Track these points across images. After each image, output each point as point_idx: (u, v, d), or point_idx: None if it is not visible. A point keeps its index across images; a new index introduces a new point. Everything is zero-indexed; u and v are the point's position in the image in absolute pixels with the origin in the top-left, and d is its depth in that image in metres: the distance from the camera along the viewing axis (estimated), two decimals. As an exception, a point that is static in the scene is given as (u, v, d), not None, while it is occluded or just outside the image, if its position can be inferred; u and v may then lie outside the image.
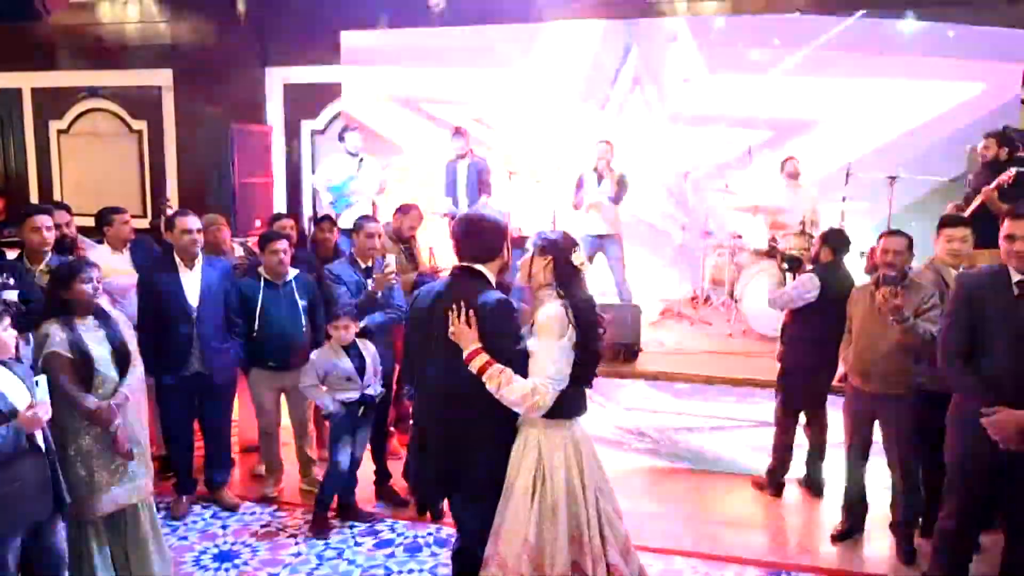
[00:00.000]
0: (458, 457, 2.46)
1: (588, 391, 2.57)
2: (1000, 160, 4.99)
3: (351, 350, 3.76)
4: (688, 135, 6.82)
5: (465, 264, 2.52)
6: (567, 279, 2.45)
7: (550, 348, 2.35)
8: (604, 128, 6.60)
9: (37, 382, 2.60)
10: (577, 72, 7.01)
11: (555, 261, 2.46)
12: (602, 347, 2.48)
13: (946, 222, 3.69)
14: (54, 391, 2.73)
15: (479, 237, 2.53)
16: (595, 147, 5.85)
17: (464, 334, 2.36)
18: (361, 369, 3.76)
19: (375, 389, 3.82)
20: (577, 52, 6.96)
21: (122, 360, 3.06)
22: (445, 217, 6.28)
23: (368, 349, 3.85)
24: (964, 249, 3.53)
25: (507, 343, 2.39)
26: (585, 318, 2.41)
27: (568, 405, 2.43)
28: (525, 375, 2.36)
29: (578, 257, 2.48)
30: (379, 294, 3.94)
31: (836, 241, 4.11)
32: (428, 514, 3.89)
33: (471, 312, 2.36)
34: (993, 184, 4.65)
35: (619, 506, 2.55)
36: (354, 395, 3.73)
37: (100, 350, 3.00)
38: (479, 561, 2.47)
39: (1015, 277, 2.79)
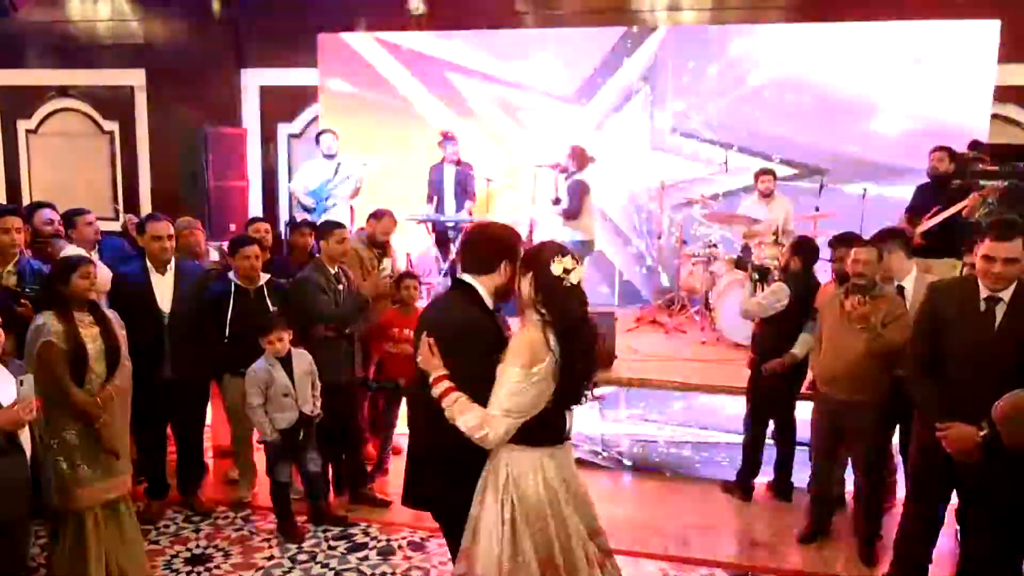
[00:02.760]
0: (421, 475, 2.39)
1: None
2: (948, 173, 5.13)
3: (284, 362, 3.70)
4: (668, 148, 6.90)
5: (461, 275, 2.40)
6: (550, 294, 2.20)
7: (512, 377, 2.14)
8: (583, 135, 6.65)
9: (22, 381, 2.60)
10: (560, 78, 7.05)
11: (535, 275, 2.23)
12: (593, 369, 2.28)
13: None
14: (46, 381, 2.79)
15: (475, 247, 2.38)
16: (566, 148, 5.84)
17: (428, 361, 2.25)
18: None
19: (312, 407, 3.75)
20: (559, 58, 7.00)
21: (112, 358, 3.13)
22: (421, 224, 6.28)
23: (303, 362, 3.76)
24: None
25: (468, 368, 2.20)
26: (570, 341, 2.18)
27: (539, 433, 2.21)
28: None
29: (560, 266, 2.20)
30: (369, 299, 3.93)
31: (805, 251, 4.20)
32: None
33: (431, 338, 2.25)
34: (982, 191, 4.71)
35: (597, 526, 2.36)
36: (293, 416, 3.68)
37: (93, 345, 3.08)
38: None
39: (983, 292, 2.80)
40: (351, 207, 6.29)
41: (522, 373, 2.14)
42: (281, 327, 3.68)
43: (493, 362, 2.19)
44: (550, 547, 2.19)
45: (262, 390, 3.66)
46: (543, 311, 2.20)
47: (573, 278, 2.22)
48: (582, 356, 2.21)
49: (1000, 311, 2.77)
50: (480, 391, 2.17)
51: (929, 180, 5.34)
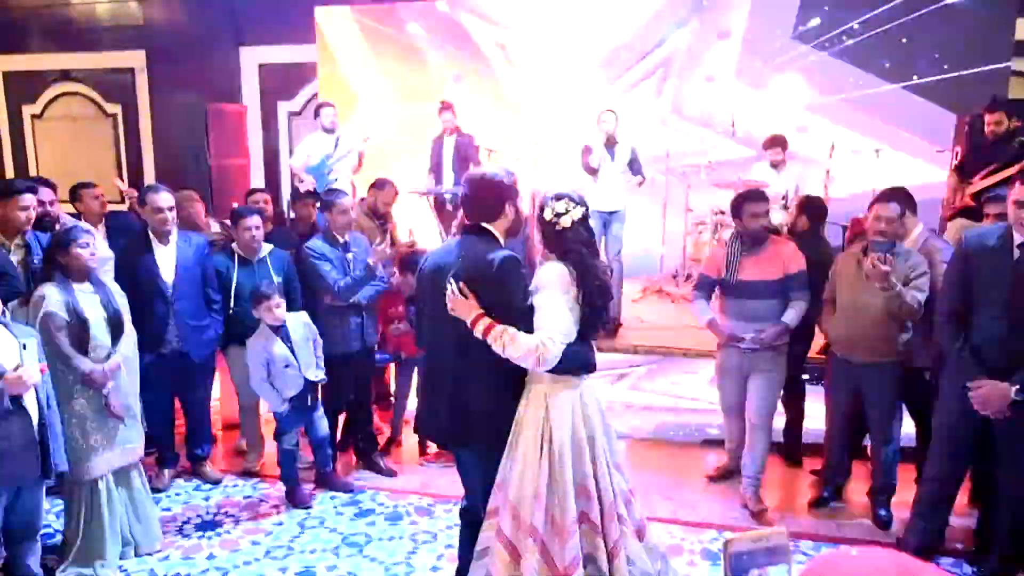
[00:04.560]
0: (466, 413, 2.45)
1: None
2: (1011, 132, 4.73)
3: (280, 332, 3.66)
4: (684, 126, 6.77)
5: (472, 224, 2.50)
6: (549, 239, 2.43)
7: (554, 301, 2.33)
8: (592, 104, 6.49)
9: (24, 345, 2.63)
10: (574, 43, 6.87)
11: (538, 223, 2.45)
12: (609, 299, 2.47)
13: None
14: (50, 352, 2.82)
15: (481, 196, 2.49)
16: (603, 115, 5.46)
17: (461, 307, 2.34)
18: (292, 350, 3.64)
19: (316, 373, 3.71)
20: (573, 21, 6.82)
21: (115, 326, 3.16)
22: (424, 196, 6.22)
23: (299, 326, 3.70)
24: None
25: (516, 299, 2.37)
26: (582, 274, 2.37)
27: (570, 363, 2.38)
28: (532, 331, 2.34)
29: (550, 211, 2.41)
30: (378, 267, 3.91)
31: (813, 210, 4.10)
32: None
33: (462, 284, 2.35)
34: None
35: (620, 461, 2.56)
36: (298, 383, 3.64)
37: (95, 314, 3.10)
38: (481, 518, 2.51)
39: (1017, 239, 2.69)
40: (352, 182, 6.23)
41: (561, 297, 2.34)
42: (278, 293, 3.61)
43: (527, 295, 2.39)
44: (587, 476, 2.38)
45: (263, 366, 3.63)
46: (552, 253, 2.43)
47: (565, 221, 2.40)
48: (598, 287, 2.40)
49: None
50: (526, 322, 2.34)
51: (981, 139, 4.88)
